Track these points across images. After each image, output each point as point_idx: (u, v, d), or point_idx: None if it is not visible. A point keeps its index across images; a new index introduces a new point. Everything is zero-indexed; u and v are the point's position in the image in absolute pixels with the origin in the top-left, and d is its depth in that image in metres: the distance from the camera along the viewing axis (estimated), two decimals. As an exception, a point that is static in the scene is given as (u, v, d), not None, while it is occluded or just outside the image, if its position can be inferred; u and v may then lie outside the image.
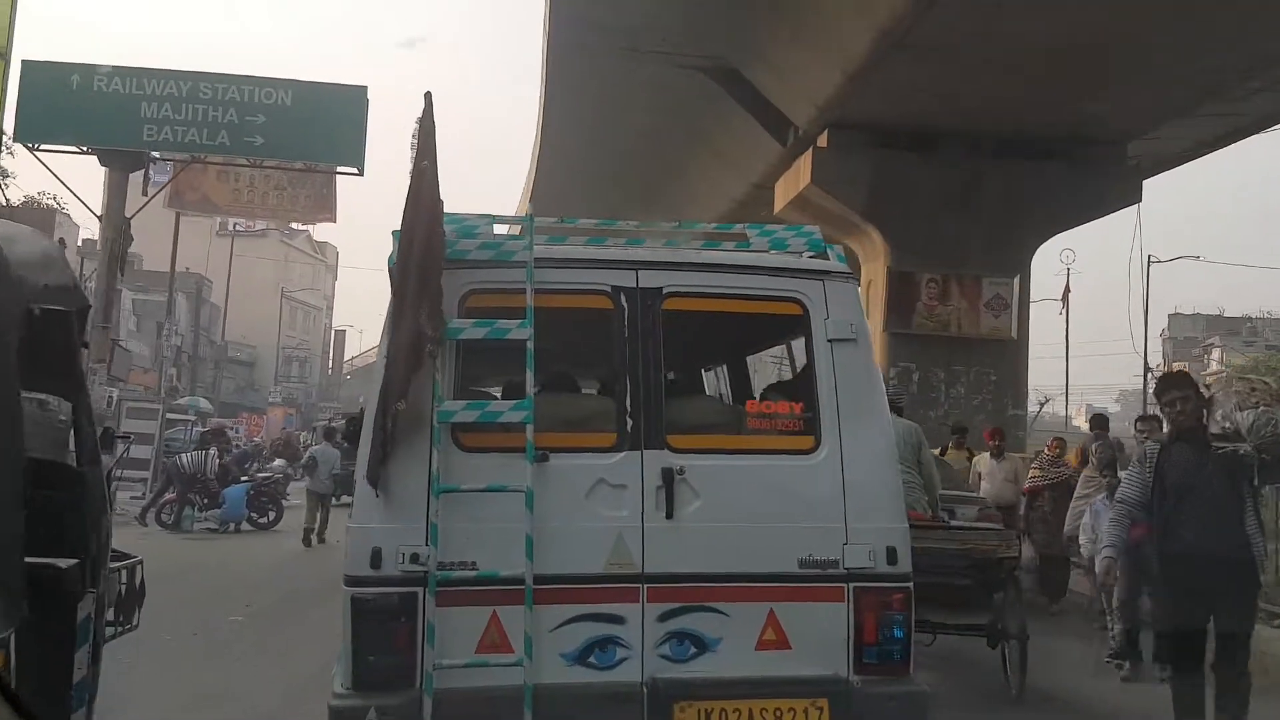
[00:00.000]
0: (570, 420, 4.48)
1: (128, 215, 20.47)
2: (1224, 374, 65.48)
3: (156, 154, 20.63)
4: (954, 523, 9.09)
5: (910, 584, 4.31)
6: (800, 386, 4.61)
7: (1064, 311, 42.68)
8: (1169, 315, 76.63)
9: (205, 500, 16.70)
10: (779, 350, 5.66)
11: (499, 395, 5.23)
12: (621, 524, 4.15)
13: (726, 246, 4.91)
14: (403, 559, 3.99)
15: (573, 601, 4.10)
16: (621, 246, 4.73)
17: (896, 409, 8.69)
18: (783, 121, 22.18)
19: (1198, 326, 72.43)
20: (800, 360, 4.70)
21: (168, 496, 17.00)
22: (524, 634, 3.99)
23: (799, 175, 21.90)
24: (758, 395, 5.14)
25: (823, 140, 21.10)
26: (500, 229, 4.62)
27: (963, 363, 21.76)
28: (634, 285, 4.36)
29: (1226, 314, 70.68)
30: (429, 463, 4.07)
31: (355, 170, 20.41)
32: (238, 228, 60.56)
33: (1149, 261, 41.75)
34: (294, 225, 59.65)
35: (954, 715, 6.52)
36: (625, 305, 4.35)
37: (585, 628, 4.11)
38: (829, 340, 4.39)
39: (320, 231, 75.17)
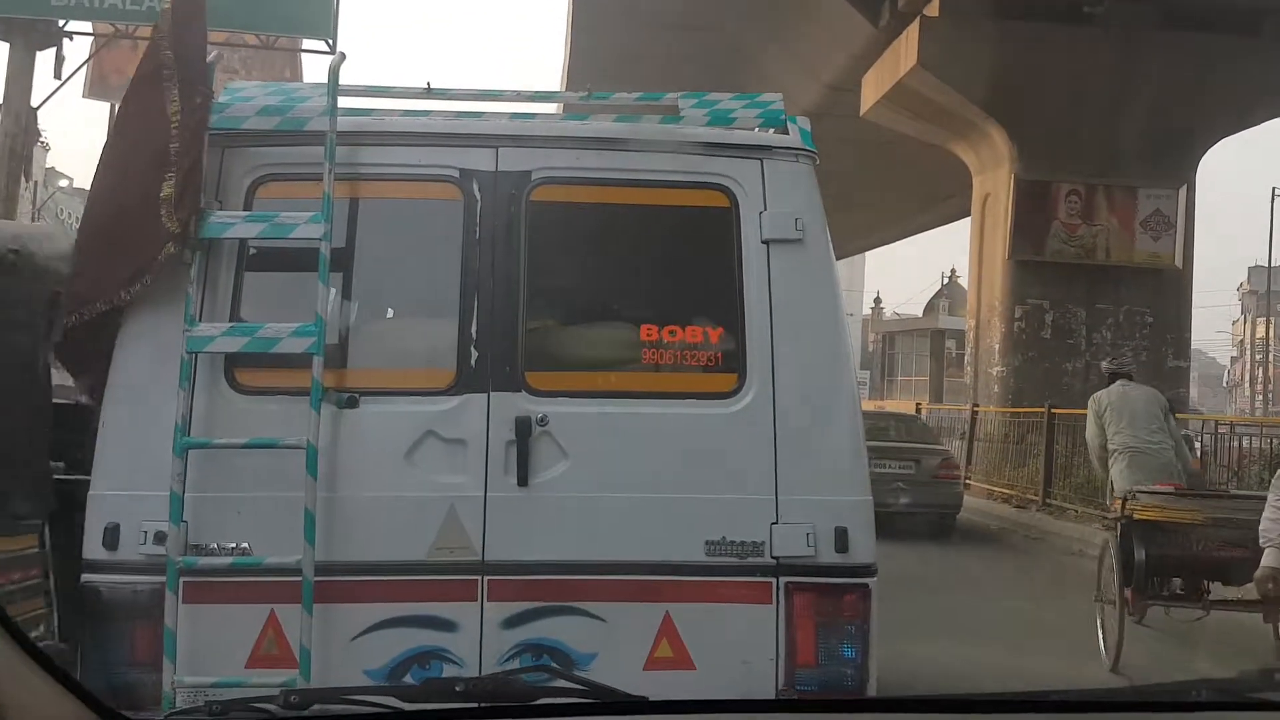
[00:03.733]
0: (391, 352, 3.60)
1: (34, 104, 15.99)
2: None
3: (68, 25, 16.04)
4: (1235, 490, 9.25)
5: (871, 580, 3.38)
6: (722, 306, 3.52)
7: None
8: (1249, 267, 73.07)
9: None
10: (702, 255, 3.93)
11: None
12: (455, 493, 3.30)
13: (650, 122, 3.82)
14: (145, 538, 3.21)
15: (383, 599, 3.26)
16: (484, 119, 3.80)
17: (1127, 375, 8.68)
18: (877, -11, 17.50)
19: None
20: (729, 270, 3.54)
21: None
22: (301, 645, 3.17)
23: (898, 58, 17.42)
24: (660, 317, 3.62)
25: (933, 8, 16.63)
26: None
27: (1110, 299, 17.34)
28: (492, 169, 3.46)
29: (1312, 265, 66.31)
30: (182, 408, 3.26)
31: (325, 45, 15.92)
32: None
33: (1274, 194, 36.34)
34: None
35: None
36: (479, 196, 3.44)
37: (399, 636, 3.24)
38: (764, 241, 3.46)
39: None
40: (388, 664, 3.24)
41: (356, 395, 3.32)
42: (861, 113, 19.07)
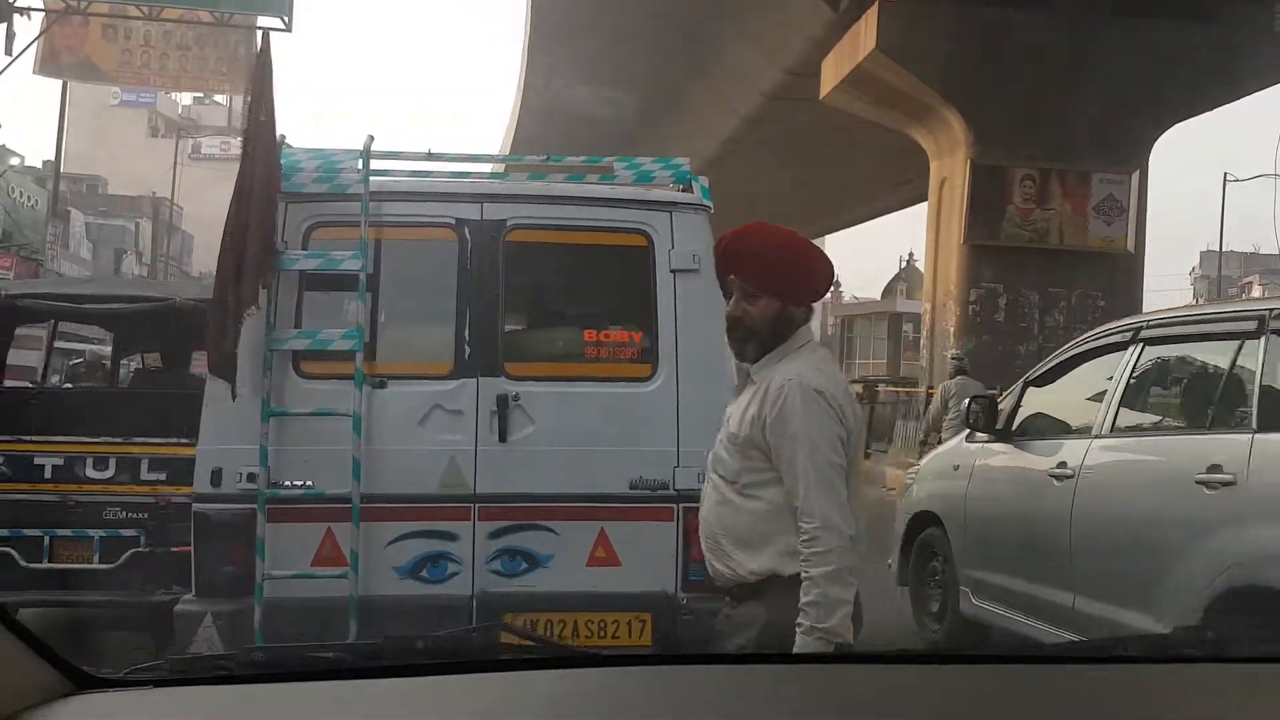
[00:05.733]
0: (409, 349, 4.94)
1: (-17, 81, 15.71)
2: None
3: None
4: None
5: None
6: (641, 316, 4.89)
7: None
8: (1201, 252, 73.70)
9: None
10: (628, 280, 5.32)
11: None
12: (455, 447, 4.59)
13: (591, 179, 5.34)
14: (240, 478, 4.47)
15: (405, 519, 4.56)
16: (474, 179, 5.25)
17: (965, 371, 12.87)
18: (835, -27, 17.48)
19: (1230, 265, 68.80)
20: (647, 291, 4.87)
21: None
22: (351, 549, 4.46)
23: (857, 43, 17.34)
24: (598, 324, 5.09)
25: (891, -8, 16.36)
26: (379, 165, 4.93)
27: (1063, 283, 17.39)
28: (478, 218, 4.74)
29: (1263, 251, 67.18)
30: (265, 388, 4.51)
31: (281, 23, 15.74)
32: (204, 148, 58.21)
33: (1225, 180, 36.80)
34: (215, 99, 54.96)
35: None
36: (469, 238, 4.72)
37: (417, 544, 4.55)
38: (672, 271, 4.74)
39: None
40: (409, 562, 4.54)
41: (385, 379, 4.60)
42: (821, 97, 19.04)
